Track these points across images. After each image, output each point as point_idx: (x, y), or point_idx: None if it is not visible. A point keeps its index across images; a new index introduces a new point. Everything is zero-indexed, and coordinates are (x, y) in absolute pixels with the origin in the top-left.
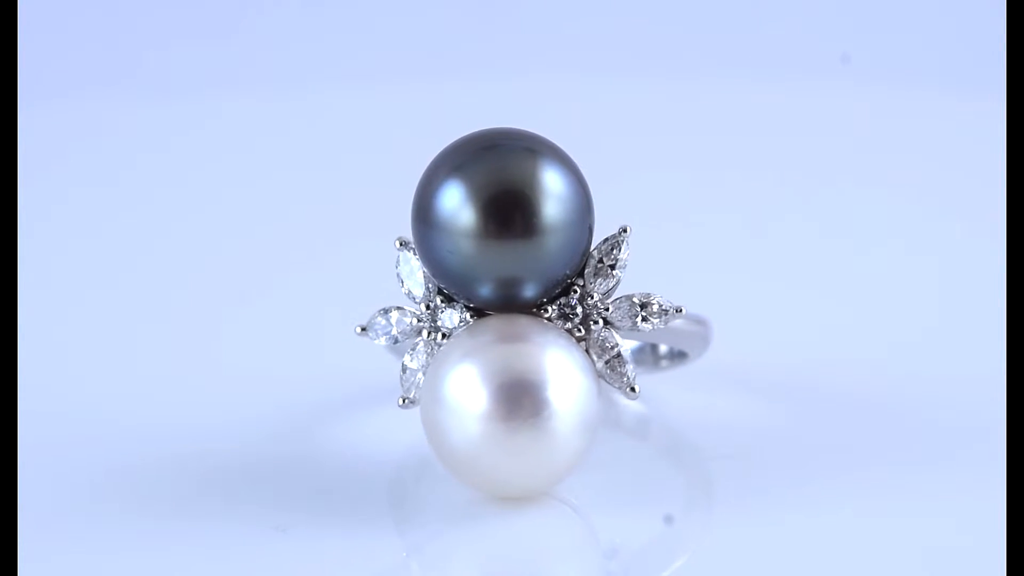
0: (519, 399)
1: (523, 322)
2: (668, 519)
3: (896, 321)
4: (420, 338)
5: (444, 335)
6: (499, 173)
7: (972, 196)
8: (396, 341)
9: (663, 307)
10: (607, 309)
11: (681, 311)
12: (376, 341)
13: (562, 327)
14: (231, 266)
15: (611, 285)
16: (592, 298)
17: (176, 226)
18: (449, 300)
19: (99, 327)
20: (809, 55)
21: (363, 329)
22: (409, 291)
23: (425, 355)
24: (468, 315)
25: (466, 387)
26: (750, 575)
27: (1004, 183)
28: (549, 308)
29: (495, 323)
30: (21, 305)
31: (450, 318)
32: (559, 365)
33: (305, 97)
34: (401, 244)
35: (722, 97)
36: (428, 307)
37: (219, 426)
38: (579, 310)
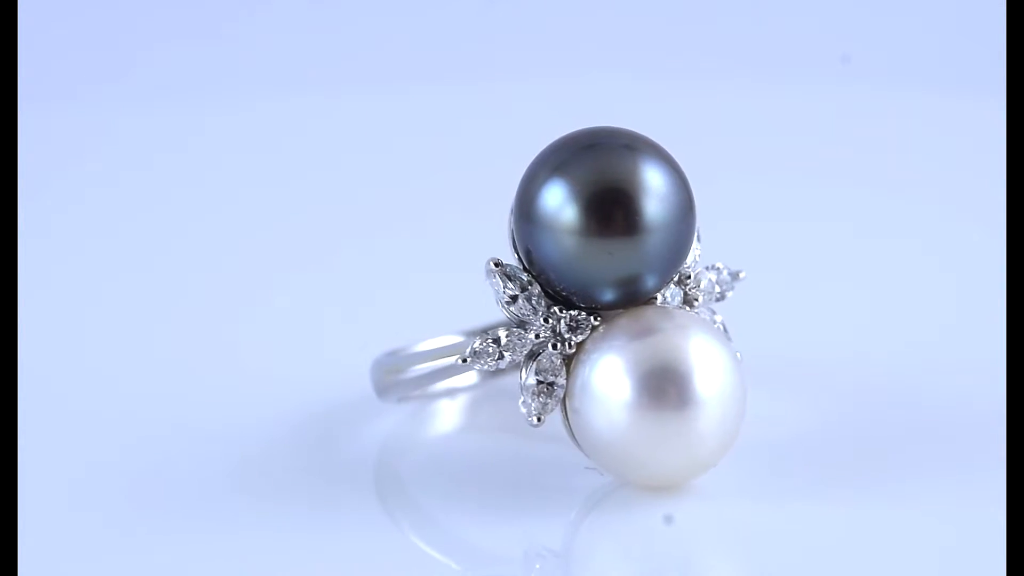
0: (664, 388)
1: (648, 314)
2: (667, 519)
3: (897, 319)
4: (542, 354)
5: (570, 344)
6: (600, 171)
7: (976, 195)
8: (509, 362)
9: (730, 273)
10: (698, 285)
11: (740, 275)
12: (486, 368)
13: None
14: (233, 268)
15: (696, 261)
16: (690, 278)
17: (181, 228)
18: (561, 310)
19: (100, 328)
20: (810, 55)
21: (464, 360)
22: (517, 311)
23: (553, 367)
24: (593, 319)
25: (611, 378)
26: (766, 566)
27: (1004, 181)
28: (656, 296)
29: (624, 322)
30: (30, 308)
31: (572, 324)
32: (700, 349)
33: (310, 99)
34: (496, 265)
35: (726, 98)
36: (547, 320)
37: (228, 427)
38: (678, 292)
